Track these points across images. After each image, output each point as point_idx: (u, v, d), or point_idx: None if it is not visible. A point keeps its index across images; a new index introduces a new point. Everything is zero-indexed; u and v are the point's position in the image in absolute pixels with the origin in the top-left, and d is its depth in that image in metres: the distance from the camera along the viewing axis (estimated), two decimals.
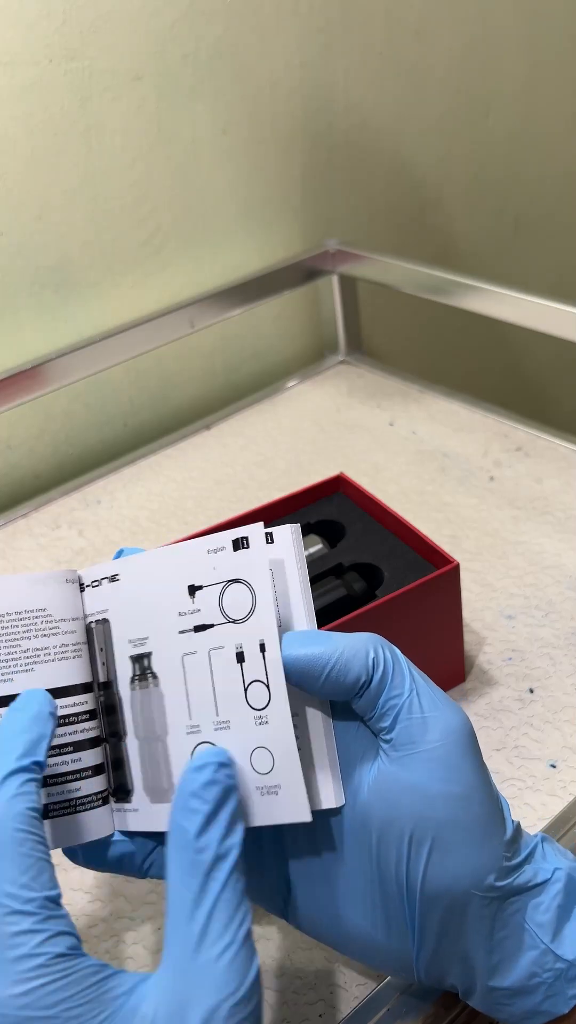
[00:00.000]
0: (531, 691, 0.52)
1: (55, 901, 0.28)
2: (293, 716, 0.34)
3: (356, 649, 0.33)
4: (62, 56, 0.69)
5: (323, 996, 0.40)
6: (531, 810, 0.46)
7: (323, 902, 0.35)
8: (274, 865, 0.36)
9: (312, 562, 0.54)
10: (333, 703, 0.35)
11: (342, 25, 0.84)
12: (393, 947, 0.33)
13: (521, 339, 1.09)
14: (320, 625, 0.46)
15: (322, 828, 0.34)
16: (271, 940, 0.42)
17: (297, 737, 0.33)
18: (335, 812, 0.34)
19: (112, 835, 0.37)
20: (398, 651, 0.35)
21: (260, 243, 0.87)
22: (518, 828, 0.34)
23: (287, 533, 0.35)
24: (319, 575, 0.53)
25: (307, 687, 0.33)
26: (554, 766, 0.48)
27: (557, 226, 1.16)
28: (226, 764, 0.30)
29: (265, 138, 0.83)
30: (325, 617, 0.49)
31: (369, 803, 0.33)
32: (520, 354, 1.16)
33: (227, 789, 0.30)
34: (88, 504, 0.75)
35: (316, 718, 0.34)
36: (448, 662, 0.52)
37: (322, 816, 0.34)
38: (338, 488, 0.58)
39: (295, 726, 0.34)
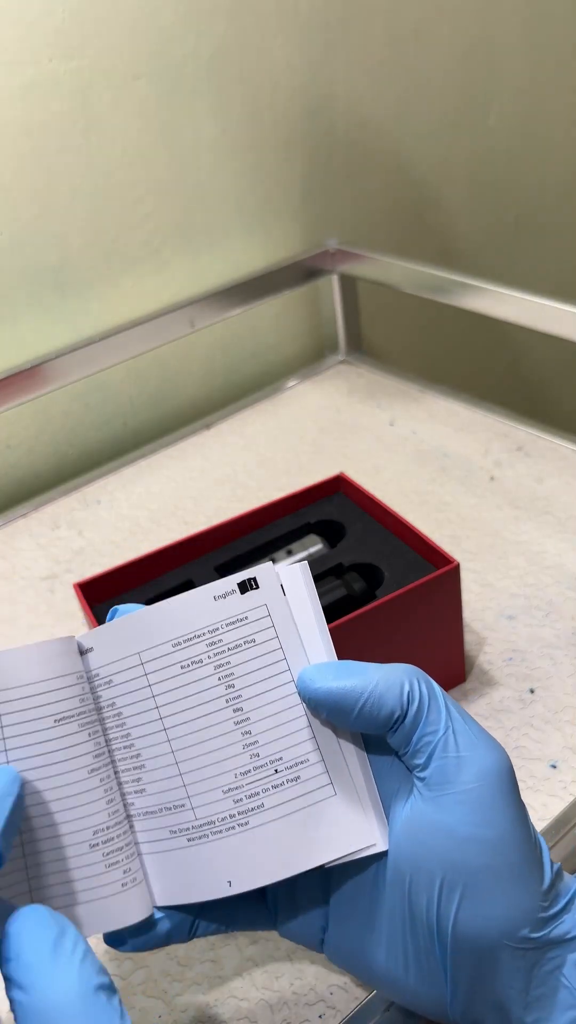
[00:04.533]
0: (532, 691, 0.52)
1: None
2: (325, 759, 0.32)
3: (391, 682, 0.32)
4: (62, 56, 0.69)
5: (323, 996, 0.40)
6: (531, 811, 0.46)
7: (357, 942, 0.33)
8: (314, 901, 0.35)
9: (312, 562, 0.54)
10: (366, 737, 0.33)
11: (342, 25, 0.84)
12: (425, 991, 0.32)
13: (521, 339, 1.09)
14: None
15: (359, 869, 0.33)
16: (271, 940, 0.42)
17: (331, 783, 0.32)
18: (380, 856, 0.32)
19: (152, 915, 0.33)
20: (435, 684, 0.33)
21: (260, 243, 0.87)
22: (559, 873, 0.32)
23: (297, 573, 0.34)
24: (319, 575, 0.52)
25: (340, 721, 0.32)
26: (555, 766, 0.48)
27: (557, 225, 1.16)
28: None
29: (265, 138, 0.83)
30: (325, 617, 0.49)
31: (400, 844, 0.32)
32: (520, 354, 1.16)
33: None
34: (88, 504, 0.75)
35: (351, 755, 0.33)
36: (448, 662, 0.52)
37: (366, 860, 0.33)
38: (338, 488, 0.58)
39: (327, 771, 0.32)
